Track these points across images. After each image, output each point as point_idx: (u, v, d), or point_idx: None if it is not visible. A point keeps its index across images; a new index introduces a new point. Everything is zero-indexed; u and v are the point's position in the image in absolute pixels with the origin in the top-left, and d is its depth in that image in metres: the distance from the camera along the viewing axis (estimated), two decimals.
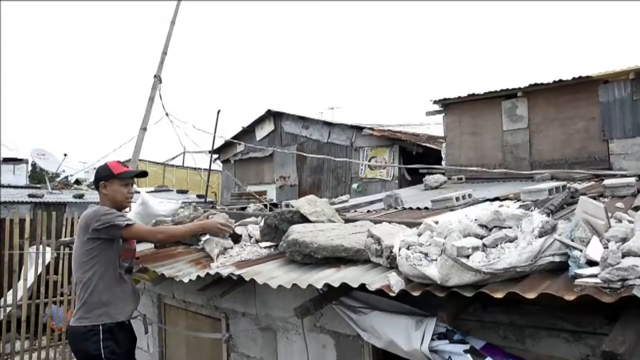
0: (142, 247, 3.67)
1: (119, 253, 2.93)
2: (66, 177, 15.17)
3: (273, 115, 12.70)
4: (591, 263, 1.61)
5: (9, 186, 12.19)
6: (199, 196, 13.14)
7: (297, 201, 3.22)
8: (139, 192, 8.57)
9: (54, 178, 14.56)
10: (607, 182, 3.85)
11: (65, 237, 7.25)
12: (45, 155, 12.82)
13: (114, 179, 2.95)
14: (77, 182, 15.28)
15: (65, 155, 13.36)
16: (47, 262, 7.08)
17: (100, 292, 2.76)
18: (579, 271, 1.59)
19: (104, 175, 2.96)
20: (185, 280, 2.88)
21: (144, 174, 3.40)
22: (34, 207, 10.13)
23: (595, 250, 1.63)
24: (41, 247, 7.09)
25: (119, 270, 2.92)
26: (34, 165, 16.98)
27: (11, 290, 6.73)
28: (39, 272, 7.09)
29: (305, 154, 9.86)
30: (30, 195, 10.82)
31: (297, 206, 3.15)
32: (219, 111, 9.73)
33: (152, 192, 10.51)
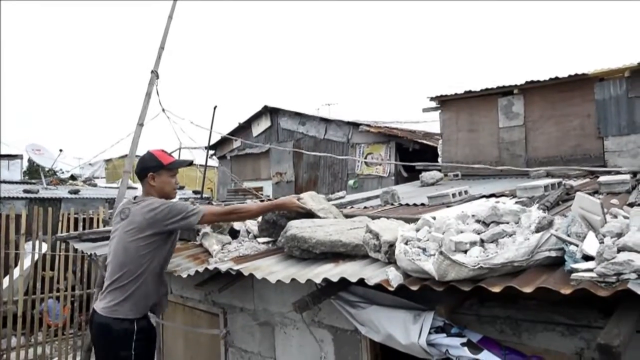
0: None
1: (172, 248, 2.87)
2: (61, 171, 15.12)
3: (269, 111, 12.69)
4: (587, 258, 1.64)
5: (4, 182, 12.14)
6: (195, 192, 13.13)
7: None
8: (136, 188, 8.56)
9: (49, 174, 14.50)
10: (602, 178, 3.89)
11: (61, 232, 7.23)
12: (40, 150, 12.75)
13: (163, 169, 2.82)
14: (73, 177, 15.23)
15: (60, 150, 13.30)
16: (36, 258, 7.05)
17: (147, 287, 2.65)
18: (575, 266, 1.61)
19: (152, 166, 2.80)
20: (184, 275, 2.89)
21: (190, 163, 3.28)
22: (30, 202, 10.09)
23: (591, 245, 1.66)
24: (37, 242, 7.08)
25: (167, 263, 2.87)
26: (29, 160, 16.90)
27: (7, 286, 6.71)
28: (34, 267, 7.08)
29: (302, 151, 9.85)
30: (25, 191, 10.78)
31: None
32: (215, 107, 9.74)
33: None
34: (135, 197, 2.84)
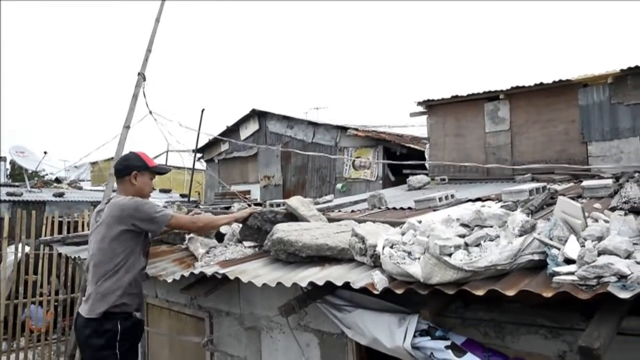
0: None
1: (145, 247, 2.89)
2: (45, 174, 14.91)
3: (257, 115, 12.66)
4: (569, 261, 1.66)
5: None
6: (182, 195, 13.03)
7: (290, 202, 3.22)
8: None
9: (33, 176, 14.29)
10: (585, 183, 3.94)
11: (45, 236, 7.13)
12: (24, 153, 12.54)
13: (146, 171, 2.92)
14: (58, 180, 15.01)
15: (45, 153, 13.09)
16: (19, 261, 6.94)
17: (125, 285, 2.65)
18: (557, 269, 1.63)
19: (137, 166, 2.89)
20: (169, 280, 2.87)
21: (169, 170, 3.45)
22: (13, 205, 9.91)
23: (572, 248, 1.68)
24: (20, 246, 6.97)
25: (144, 264, 2.89)
26: (12, 163, 16.63)
27: None
28: (16, 272, 6.96)
29: (290, 150, 9.84)
30: (8, 194, 10.60)
31: (293, 206, 3.15)
32: (202, 110, 9.68)
33: None
34: (109, 200, 2.87)
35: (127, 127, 5.15)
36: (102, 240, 2.69)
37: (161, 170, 3.08)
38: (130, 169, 2.87)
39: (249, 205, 6.70)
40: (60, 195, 11.40)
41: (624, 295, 1.43)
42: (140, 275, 2.84)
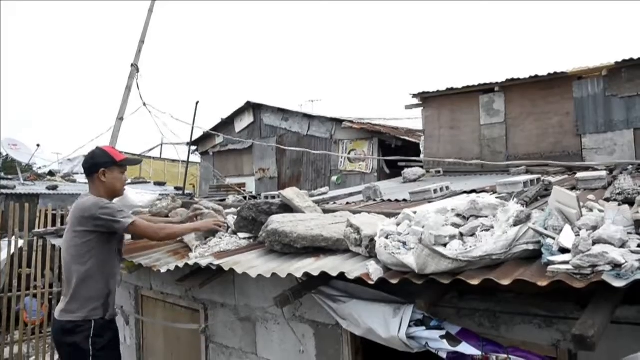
0: None
1: (118, 246, 2.84)
2: (38, 167, 14.80)
3: (252, 107, 12.60)
4: (563, 250, 1.67)
5: None
6: (177, 188, 12.98)
7: (285, 193, 3.21)
8: None
9: (26, 169, 14.18)
10: (579, 175, 3.96)
11: (38, 228, 7.08)
12: (17, 145, 12.44)
13: (115, 165, 2.81)
14: (51, 173, 14.91)
15: (38, 145, 13.00)
16: (12, 253, 6.90)
17: (96, 287, 2.64)
18: (552, 258, 1.63)
19: (104, 162, 2.78)
20: (163, 270, 2.86)
21: (139, 162, 3.37)
22: (6, 198, 9.85)
23: (567, 238, 1.68)
24: (13, 239, 6.92)
25: (117, 264, 2.85)
26: (5, 156, 16.50)
27: None
28: (10, 265, 6.92)
29: (284, 147, 9.82)
30: (1, 187, 10.53)
31: (288, 198, 3.14)
32: (197, 102, 9.63)
33: (128, 184, 10.32)
34: (80, 197, 2.82)
35: (120, 118, 5.12)
36: (68, 241, 2.67)
37: (129, 163, 2.99)
38: (98, 166, 2.77)
39: (245, 199, 6.69)
40: (54, 188, 11.33)
41: (618, 284, 1.43)
42: (113, 275, 2.79)
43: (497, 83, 7.21)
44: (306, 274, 2.20)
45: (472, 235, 1.94)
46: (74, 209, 2.69)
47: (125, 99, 5.16)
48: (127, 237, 3.69)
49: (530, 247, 1.82)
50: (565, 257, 1.60)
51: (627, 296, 1.62)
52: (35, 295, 7.22)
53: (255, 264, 2.51)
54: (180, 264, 2.79)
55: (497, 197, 3.33)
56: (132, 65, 5.31)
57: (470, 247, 1.82)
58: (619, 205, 2.24)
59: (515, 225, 1.90)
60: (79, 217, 2.63)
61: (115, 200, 4.20)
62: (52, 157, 15.08)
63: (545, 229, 1.82)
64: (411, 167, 7.02)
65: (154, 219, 3.42)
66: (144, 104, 6.03)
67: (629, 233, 1.68)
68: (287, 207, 3.21)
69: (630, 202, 2.58)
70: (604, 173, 3.86)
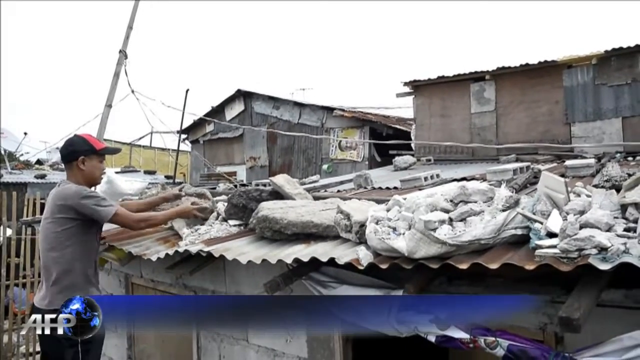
0: (107, 227, 3.59)
1: (98, 235, 2.82)
2: (24, 155, 14.62)
3: (243, 95, 12.51)
4: (551, 235, 1.68)
5: None
6: (167, 177, 12.92)
7: (276, 179, 3.20)
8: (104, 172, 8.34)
9: (13, 157, 14.01)
10: (568, 162, 3.99)
11: (27, 217, 7.02)
12: (3, 133, 12.30)
13: (94, 154, 2.78)
14: (39, 162, 14.75)
15: (25, 134, 12.87)
16: (0, 242, 6.84)
17: (77, 275, 2.61)
18: (540, 242, 1.65)
19: (84, 150, 2.75)
20: (154, 258, 2.85)
21: (118, 151, 3.48)
22: None
23: (555, 222, 1.70)
24: (2, 228, 6.85)
25: (96, 254, 2.83)
26: None
27: None
28: None
29: (275, 131, 9.80)
30: None
31: (279, 184, 3.14)
32: (187, 90, 9.55)
33: (118, 172, 10.25)
34: (58, 184, 2.78)
35: (108, 105, 5.06)
36: (46, 229, 2.63)
37: (110, 152, 3.01)
38: (77, 153, 2.73)
39: (235, 187, 6.67)
40: (42, 177, 11.24)
41: (604, 267, 1.45)
42: (93, 261, 2.77)
43: (487, 71, 7.21)
44: (296, 260, 2.20)
45: (462, 220, 1.95)
46: (54, 196, 2.65)
47: (113, 86, 5.09)
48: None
49: (519, 232, 1.84)
50: (553, 241, 1.62)
51: (613, 279, 1.64)
52: (24, 285, 7.17)
53: (245, 251, 2.51)
54: (171, 252, 2.78)
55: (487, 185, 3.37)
56: (120, 51, 5.24)
57: (460, 231, 1.84)
58: (607, 190, 2.27)
59: (504, 210, 1.91)
60: (59, 205, 2.60)
61: (105, 188, 4.18)
62: (39, 146, 14.91)
63: (534, 213, 1.83)
64: (402, 155, 7.03)
65: (142, 206, 3.38)
66: (132, 91, 5.97)
67: (615, 217, 1.70)
68: (277, 194, 3.20)
69: (618, 189, 2.60)
70: (592, 161, 3.90)
